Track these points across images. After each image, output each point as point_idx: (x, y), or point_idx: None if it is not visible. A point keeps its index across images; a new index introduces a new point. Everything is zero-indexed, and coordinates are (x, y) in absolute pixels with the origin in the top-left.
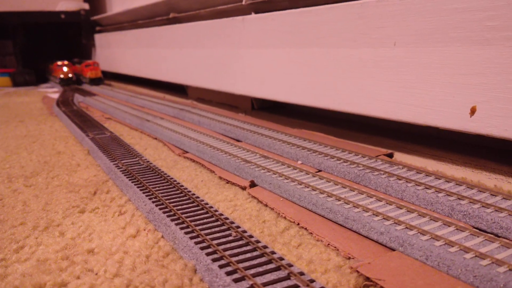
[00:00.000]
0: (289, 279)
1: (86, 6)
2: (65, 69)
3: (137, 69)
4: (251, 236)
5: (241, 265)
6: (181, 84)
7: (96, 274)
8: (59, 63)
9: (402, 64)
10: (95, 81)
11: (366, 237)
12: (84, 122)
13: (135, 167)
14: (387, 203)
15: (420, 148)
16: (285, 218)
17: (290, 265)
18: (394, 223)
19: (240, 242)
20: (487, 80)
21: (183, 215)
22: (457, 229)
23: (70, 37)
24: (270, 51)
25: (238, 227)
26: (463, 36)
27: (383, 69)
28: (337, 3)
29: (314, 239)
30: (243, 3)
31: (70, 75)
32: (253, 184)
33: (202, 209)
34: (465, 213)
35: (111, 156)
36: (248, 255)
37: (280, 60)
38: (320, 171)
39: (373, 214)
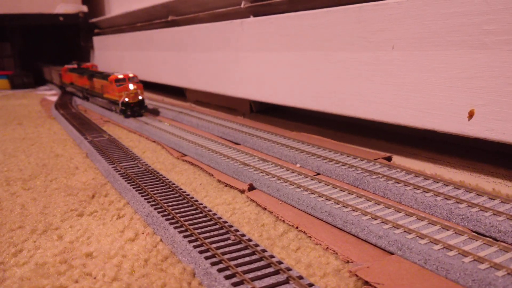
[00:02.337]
0: (288, 283)
1: (85, 8)
2: (131, 87)
3: (135, 71)
4: (250, 240)
5: (239, 269)
6: (180, 87)
7: (95, 278)
8: (120, 76)
9: (400, 68)
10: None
11: (365, 240)
12: (82, 125)
13: (134, 170)
14: (385, 207)
15: (419, 151)
16: (283, 221)
17: (289, 269)
18: (393, 226)
19: (239, 246)
20: (485, 84)
21: (182, 219)
22: (455, 232)
23: (69, 40)
24: (268, 54)
25: (237, 230)
26: (461, 40)
27: (381, 73)
28: (336, 7)
29: (313, 243)
30: (242, 6)
31: (140, 97)
32: (251, 188)
33: (200, 212)
34: (463, 216)
35: (110, 159)
36: (247, 258)
37: (278, 63)
38: (318, 174)
39: (372, 218)
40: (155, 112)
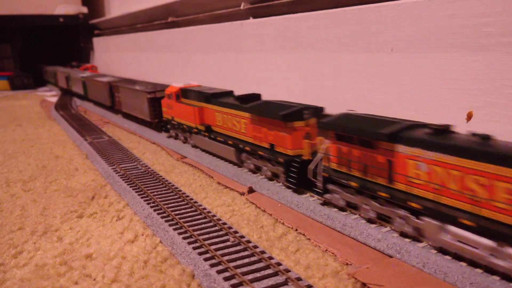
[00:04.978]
0: (287, 284)
1: (85, 9)
2: None
3: (135, 72)
4: (249, 241)
5: (239, 271)
6: None
7: (94, 279)
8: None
9: (399, 69)
10: None
11: (364, 243)
12: (82, 126)
13: (134, 171)
14: None
15: None
16: (283, 223)
17: (288, 271)
18: (391, 229)
19: (238, 247)
20: (484, 86)
21: (181, 220)
22: None
23: (69, 41)
24: (268, 55)
25: (236, 232)
26: (459, 42)
27: (380, 74)
28: (335, 8)
29: (312, 245)
30: (241, 7)
31: None
32: (251, 190)
33: (200, 214)
34: None
35: (109, 161)
36: (246, 260)
37: (278, 64)
38: None
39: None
40: None
